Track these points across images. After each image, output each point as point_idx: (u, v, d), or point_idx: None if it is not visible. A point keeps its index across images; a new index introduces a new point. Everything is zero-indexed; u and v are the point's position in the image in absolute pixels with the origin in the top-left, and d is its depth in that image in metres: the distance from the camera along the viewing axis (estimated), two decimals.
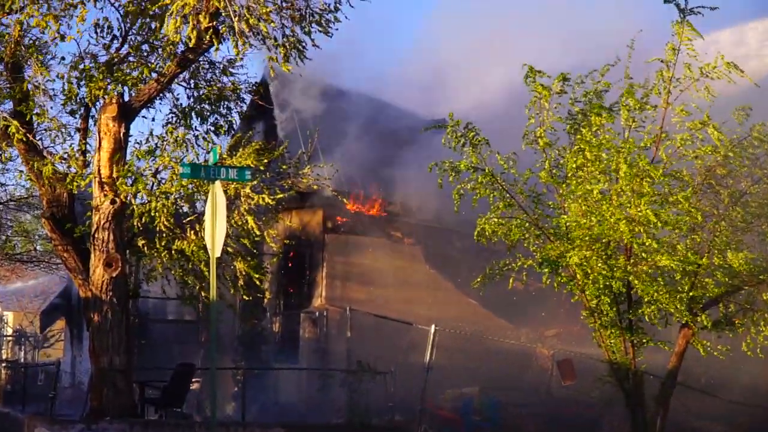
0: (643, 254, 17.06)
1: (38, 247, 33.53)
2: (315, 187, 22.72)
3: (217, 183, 15.94)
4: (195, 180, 18.10)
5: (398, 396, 23.14)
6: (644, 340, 18.04)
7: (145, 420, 20.20)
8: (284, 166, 21.35)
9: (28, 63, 19.25)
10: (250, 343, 27.19)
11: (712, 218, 17.22)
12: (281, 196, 20.63)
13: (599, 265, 17.08)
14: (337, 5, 18.86)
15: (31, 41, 19.16)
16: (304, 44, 18.89)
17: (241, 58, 20.57)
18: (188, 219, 19.87)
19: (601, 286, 17.25)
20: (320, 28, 18.86)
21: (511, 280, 18.96)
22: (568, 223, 17.61)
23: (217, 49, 19.16)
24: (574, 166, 17.51)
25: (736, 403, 24.81)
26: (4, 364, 32.40)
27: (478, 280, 19.46)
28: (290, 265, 27.23)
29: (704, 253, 17.03)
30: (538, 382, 25.18)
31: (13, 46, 18.93)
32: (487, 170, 18.21)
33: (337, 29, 19.09)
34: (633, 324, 17.96)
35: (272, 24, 18.08)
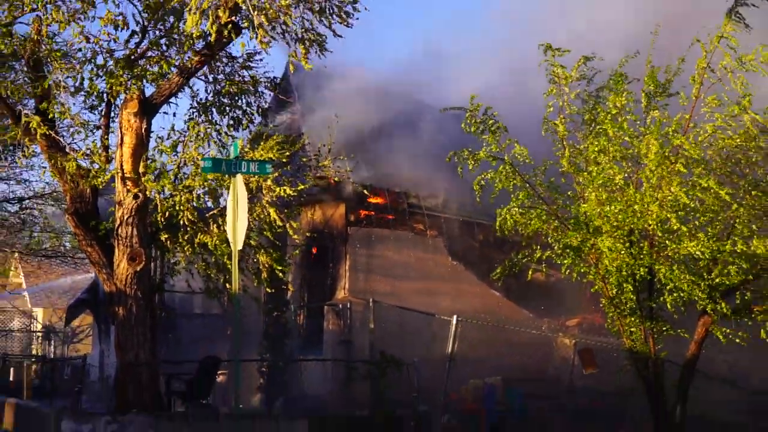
0: (666, 241, 16.83)
1: (66, 244, 33.21)
2: (336, 179, 22.52)
3: (239, 176, 15.82)
4: (217, 174, 17.65)
5: (421, 387, 22.93)
6: (664, 329, 17.84)
7: (171, 413, 20.01)
8: (304, 159, 21.03)
9: (49, 60, 18.92)
10: (274, 335, 26.98)
11: (731, 206, 16.83)
12: (302, 187, 20.33)
13: (623, 252, 16.89)
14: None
15: (50, 39, 18.82)
16: (324, 37, 18.62)
17: (262, 51, 20.36)
18: (211, 213, 19.60)
19: (625, 273, 17.04)
20: (340, 20, 18.53)
21: (530, 272, 18.85)
22: (587, 212, 17.40)
23: (242, 44, 18.74)
24: (595, 150, 17.24)
25: (758, 393, 24.57)
26: (32, 360, 32.19)
27: (497, 271, 19.49)
28: (313, 257, 26.94)
29: (725, 239, 16.77)
30: (560, 372, 24.90)
31: (33, 44, 18.62)
32: (506, 159, 18.05)
33: (357, 19, 18.67)
34: (653, 312, 17.68)
35: (292, 16, 17.85)
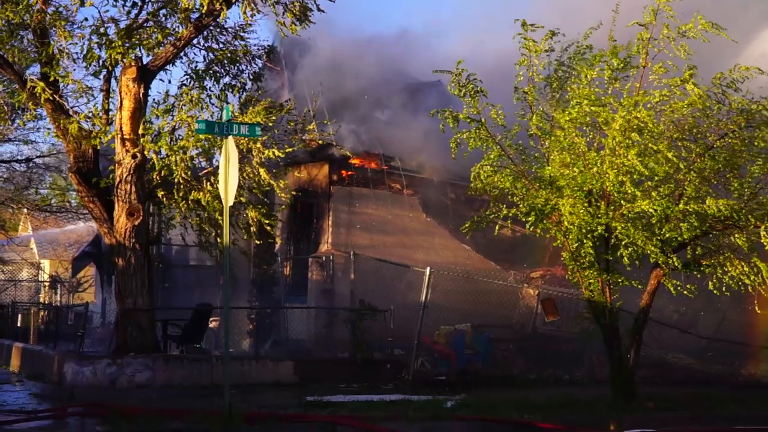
0: (622, 201, 16.95)
1: (73, 201, 33.09)
2: (321, 142, 22.52)
3: (230, 138, 15.73)
4: (210, 136, 17.63)
5: (397, 332, 23.04)
6: (620, 280, 18.06)
7: (167, 355, 20.10)
8: (291, 123, 20.98)
9: (53, 28, 18.83)
10: (262, 285, 27.06)
11: (681, 170, 17.00)
12: (290, 150, 20.35)
13: (582, 211, 17.02)
14: None
15: (54, 8, 18.72)
16: (309, 8, 18.59)
17: (250, 24, 20.33)
18: (204, 172, 19.61)
19: (584, 230, 17.16)
20: None
21: (497, 227, 18.92)
22: (551, 174, 17.56)
23: (223, 14, 18.65)
24: (567, 118, 17.21)
25: (704, 338, 24.80)
26: (39, 307, 32.16)
27: (467, 226, 19.57)
28: (299, 213, 26.98)
29: (677, 199, 16.92)
30: (524, 319, 25.05)
31: (38, 12, 18.51)
32: (483, 121, 18.07)
33: None
34: (610, 265, 17.86)
35: None
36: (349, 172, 26.64)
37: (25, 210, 24.08)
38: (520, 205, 18.26)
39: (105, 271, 25.99)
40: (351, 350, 22.53)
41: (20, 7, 18.19)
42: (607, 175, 16.81)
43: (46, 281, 44.11)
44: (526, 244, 24.94)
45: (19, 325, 31.48)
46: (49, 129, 21.16)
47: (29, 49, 19.60)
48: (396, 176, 27.38)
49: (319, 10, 18.68)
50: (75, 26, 19.42)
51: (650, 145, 16.79)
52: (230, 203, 15.70)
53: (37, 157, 23.13)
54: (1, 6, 17.62)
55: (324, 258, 25.68)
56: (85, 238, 38.85)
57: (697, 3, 17.33)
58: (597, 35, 17.71)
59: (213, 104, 20.50)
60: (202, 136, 18.23)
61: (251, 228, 20.37)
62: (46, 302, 36.23)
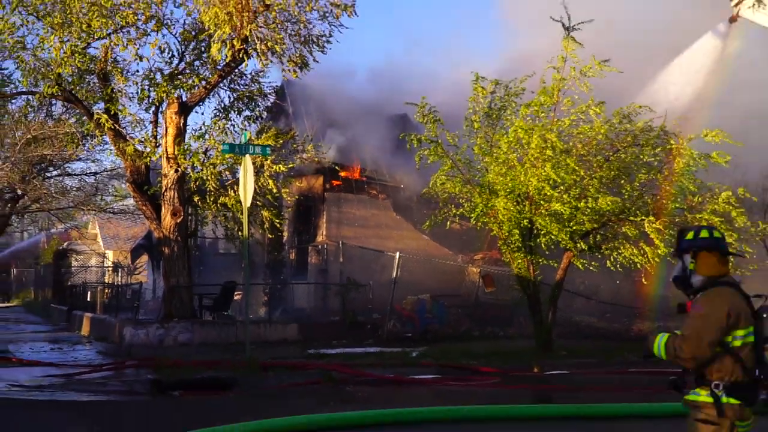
0: (542, 201, 17.13)
1: (130, 206, 33.05)
2: (317, 160, 22.59)
3: (248, 156, 15.85)
4: (233, 155, 17.67)
5: (375, 301, 23.15)
6: (540, 260, 18.27)
7: (202, 320, 20.14)
8: (294, 145, 21.11)
9: (112, 74, 18.87)
10: (274, 267, 27.14)
11: (585, 178, 17.24)
12: (292, 165, 20.56)
13: (512, 209, 17.21)
14: (331, 33, 18.56)
15: (113, 59, 18.78)
16: (306, 59, 18.64)
17: (263, 71, 20.46)
18: (229, 182, 19.55)
19: (514, 223, 17.41)
20: (318, 48, 18.57)
21: (449, 222, 19.07)
22: (490, 181, 17.82)
23: (245, 64, 18.88)
24: (505, 141, 17.45)
25: (604, 303, 24.95)
26: (104, 286, 32.07)
27: (427, 223, 19.82)
28: (301, 212, 27.02)
29: (581, 199, 17.12)
30: (469, 291, 25.15)
31: (100, 62, 18.56)
32: (439, 141, 18.27)
33: (330, 48, 18.73)
34: (533, 249, 18.00)
35: (284, 46, 17.94)
36: (338, 182, 26.69)
37: (93, 212, 23.96)
38: (466, 205, 18.54)
39: (155, 258, 25.88)
40: (341, 315, 22.61)
41: (87, 57, 18.24)
42: (530, 182, 17.02)
43: (109, 267, 43.99)
44: (471, 234, 24.98)
45: (88, 299, 31.43)
46: (111, 150, 21.19)
47: (95, 89, 19.57)
48: (373, 185, 27.46)
49: (315, 60, 18.73)
50: (130, 73, 19.53)
51: (561, 159, 17.04)
52: (248, 205, 15.83)
53: (102, 171, 23.06)
54: (72, 56, 17.56)
55: (320, 246, 25.66)
56: (139, 234, 38.99)
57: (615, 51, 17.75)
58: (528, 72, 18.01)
59: (236, 131, 20.48)
60: (227, 155, 18.22)
61: (265, 224, 20.41)
62: (110, 282, 36.04)
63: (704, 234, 5.10)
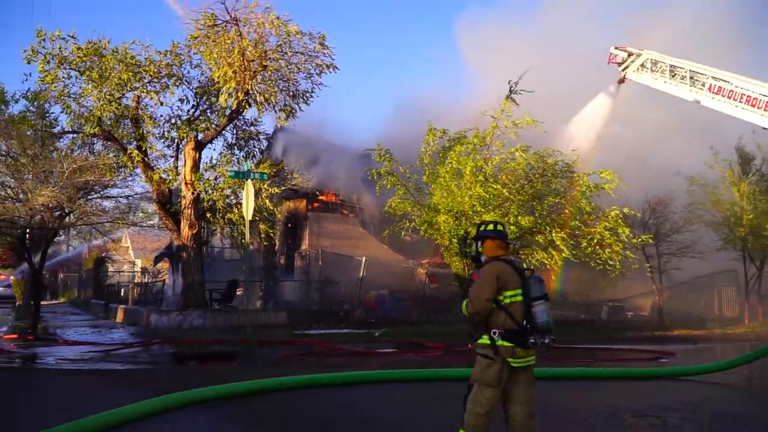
0: (474, 216, 17.23)
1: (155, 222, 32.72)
2: (301, 186, 22.57)
3: (249, 180, 15.75)
4: (237, 180, 17.58)
5: (346, 296, 23.16)
6: (474, 265, 18.12)
7: (212, 309, 19.82)
8: (284, 175, 21.16)
9: (143, 119, 18.76)
10: (268, 268, 26.97)
11: (508, 199, 17.42)
12: (284, 189, 20.61)
13: (452, 222, 17.32)
14: (314, 89, 18.65)
15: (143, 106, 18.69)
16: (294, 110, 18.69)
17: (260, 118, 20.54)
18: (234, 203, 19.42)
19: (453, 234, 17.51)
20: (303, 101, 18.67)
21: (403, 233, 19.13)
22: (435, 202, 17.84)
23: (246, 110, 18.75)
24: (446, 170, 17.62)
25: None
26: (134, 284, 31.60)
27: (385, 234, 19.97)
28: (290, 227, 26.86)
29: (505, 216, 17.28)
30: (418, 287, 25.22)
31: (133, 109, 18.46)
32: (395, 175, 18.38)
33: (313, 101, 18.84)
34: (467, 254, 17.96)
35: (277, 98, 18.00)
36: (318, 204, 26.66)
37: (126, 226, 23.71)
38: (417, 221, 18.57)
39: (174, 262, 25.57)
40: (319, 306, 22.58)
41: (121, 105, 18.13)
42: (465, 201, 17.14)
43: (138, 271, 43.32)
44: (419, 244, 25.05)
45: (122, 295, 31.00)
46: (141, 177, 20.93)
47: (128, 130, 19.38)
48: (345, 206, 27.45)
49: (300, 110, 18.80)
50: (155, 118, 19.34)
51: (491, 183, 17.24)
52: (250, 218, 15.72)
53: (134, 195, 22.85)
54: (109, 104, 17.44)
55: (304, 253, 25.51)
56: (161, 246, 38.60)
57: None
58: (471, 117, 18.27)
59: (239, 163, 20.39)
60: (232, 180, 18.11)
61: (261, 235, 20.26)
62: (139, 282, 35.45)
63: (490, 227, 5.54)
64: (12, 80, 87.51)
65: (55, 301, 46.35)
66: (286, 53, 17.50)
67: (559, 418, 7.19)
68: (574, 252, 17.66)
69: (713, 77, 20.78)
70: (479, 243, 5.55)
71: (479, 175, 17.14)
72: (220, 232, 21.63)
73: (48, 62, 17.22)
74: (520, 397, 5.17)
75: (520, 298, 5.16)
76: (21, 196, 18.95)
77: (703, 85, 21.02)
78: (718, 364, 10.58)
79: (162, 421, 6.81)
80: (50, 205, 18.13)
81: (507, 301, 5.15)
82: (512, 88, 17.75)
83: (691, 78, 21.50)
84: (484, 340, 5.18)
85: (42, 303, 21.87)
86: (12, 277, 41.32)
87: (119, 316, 24.39)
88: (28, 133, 20.37)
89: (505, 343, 5.07)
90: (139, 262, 48.84)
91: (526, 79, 17.85)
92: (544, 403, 8.04)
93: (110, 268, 43.69)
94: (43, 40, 17.16)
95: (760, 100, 19.17)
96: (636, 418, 7.07)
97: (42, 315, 22.13)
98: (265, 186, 18.63)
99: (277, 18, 17.01)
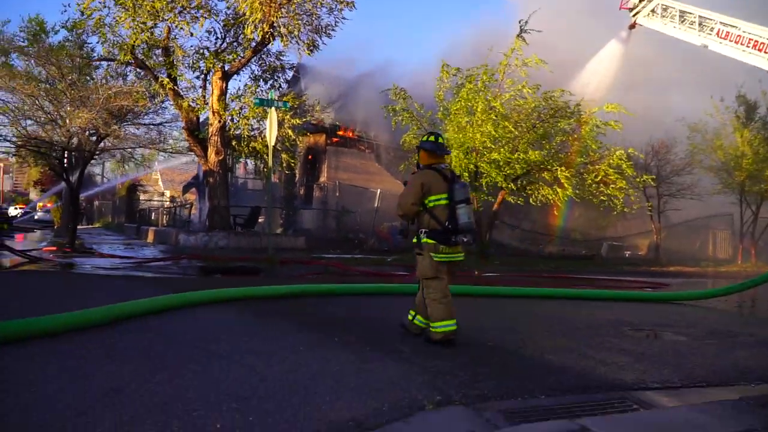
0: (484, 152, 17.02)
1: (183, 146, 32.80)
2: (322, 121, 22.30)
3: (273, 108, 15.47)
4: (261, 109, 17.33)
5: (361, 225, 23.15)
6: (482, 196, 18.11)
7: (236, 231, 19.90)
8: (306, 107, 20.85)
9: (173, 48, 18.40)
10: (288, 197, 26.97)
11: (517, 136, 17.16)
12: (306, 120, 20.29)
13: (462, 158, 17.10)
14: (337, 23, 18.15)
15: (173, 37, 18.29)
16: (317, 43, 18.27)
17: (284, 50, 20.10)
18: (258, 130, 19.22)
19: (464, 168, 17.31)
20: (326, 35, 18.18)
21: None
22: (448, 137, 17.47)
23: (271, 43, 18.30)
24: (457, 107, 17.29)
25: (525, 231, 25.17)
26: (164, 210, 31.86)
27: (400, 168, 19.79)
28: (310, 159, 26.76)
29: (514, 152, 17.06)
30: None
31: (163, 39, 18.05)
32: (410, 111, 18.04)
33: (335, 35, 18.35)
34: (477, 188, 17.83)
35: (300, 31, 17.54)
36: (336, 139, 26.46)
37: (157, 151, 23.62)
38: None
39: (201, 190, 25.66)
40: (336, 233, 22.61)
41: (153, 35, 17.75)
42: (476, 138, 16.89)
43: (167, 199, 43.66)
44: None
45: (152, 219, 31.28)
46: (170, 106, 20.73)
47: (159, 60, 19.05)
48: (362, 141, 27.26)
49: (323, 43, 18.37)
50: (185, 48, 18.99)
51: (501, 121, 16.93)
52: (272, 144, 15.49)
53: (165, 122, 22.68)
54: (141, 33, 17.09)
55: (322, 184, 25.56)
56: (188, 178, 38.71)
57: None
58: (481, 57, 17.81)
59: (265, 94, 20.10)
60: (257, 109, 17.87)
61: (283, 163, 20.16)
62: (167, 207, 35.77)
63: (431, 139, 5.84)
64: (51, 11, 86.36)
65: (91, 226, 46.96)
66: None
67: (566, 324, 7.16)
68: (577, 191, 17.50)
69: (721, 23, 20.17)
70: (418, 151, 5.89)
71: (491, 113, 16.82)
72: (244, 164, 21.49)
73: None
74: None
75: (444, 201, 5.47)
76: (59, 120, 18.84)
77: (711, 30, 20.41)
78: (715, 290, 10.47)
79: (185, 313, 6.84)
80: (86, 129, 18.06)
81: (431, 204, 5.51)
82: (522, 27, 17.28)
83: (700, 24, 20.85)
84: (416, 239, 5.63)
85: (78, 227, 22.05)
86: (50, 203, 41.87)
87: (150, 237, 24.61)
88: (66, 63, 20.10)
89: (429, 241, 5.49)
90: (168, 193, 49.23)
91: (540, 23, 17.36)
92: (552, 315, 8.10)
93: (141, 197, 44.06)
94: None
95: (767, 44, 18.56)
96: (634, 330, 7.02)
97: (78, 235, 22.36)
98: (288, 117, 18.37)
99: None
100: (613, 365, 5.11)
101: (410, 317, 5.98)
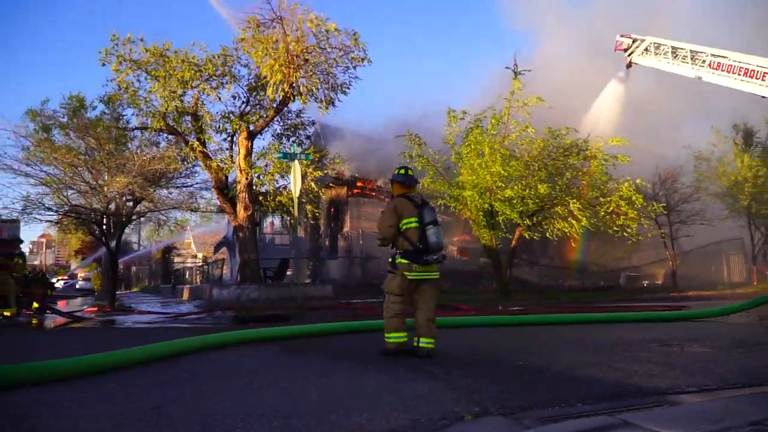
0: (497, 191, 16.95)
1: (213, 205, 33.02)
2: (342, 171, 22.43)
3: (296, 161, 15.61)
4: (285, 164, 17.48)
5: (385, 269, 22.86)
6: (500, 234, 17.94)
7: (266, 284, 19.77)
8: (327, 161, 20.97)
9: (201, 114, 18.80)
10: (314, 248, 26.96)
11: (527, 175, 17.12)
12: (326, 172, 20.35)
13: (477, 198, 17.07)
14: (351, 82, 18.41)
15: (201, 102, 18.71)
16: (333, 100, 18.50)
17: (303, 109, 20.39)
18: (283, 185, 19.37)
19: (479, 208, 17.24)
20: (341, 92, 18.43)
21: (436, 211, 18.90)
22: (461, 180, 17.58)
23: (291, 101, 18.58)
24: (467, 151, 17.35)
25: (544, 266, 24.82)
26: (197, 270, 32.00)
27: None
28: (332, 211, 26.85)
29: (526, 189, 16.99)
30: (453, 262, 24.92)
31: (192, 106, 18.50)
32: (425, 156, 18.16)
33: (350, 92, 18.61)
34: (494, 226, 17.77)
35: (318, 89, 17.82)
36: (357, 190, 26.59)
37: (189, 211, 23.87)
38: (447, 198, 18.33)
39: (231, 249, 25.78)
40: (361, 280, 22.44)
41: (183, 102, 18.19)
42: (488, 178, 16.86)
43: (200, 260, 43.94)
44: (450, 223, 24.80)
45: (186, 278, 31.40)
46: (200, 167, 21.05)
47: (189, 125, 19.46)
48: (382, 191, 27.35)
49: (339, 100, 18.59)
50: (212, 113, 19.36)
51: (508, 160, 16.95)
52: (297, 195, 15.52)
53: (195, 184, 22.98)
54: (172, 101, 17.53)
55: (346, 234, 25.54)
56: (218, 239, 39.15)
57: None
58: (490, 98, 17.97)
59: (285, 149, 20.28)
60: (280, 166, 18.01)
61: (308, 215, 20.15)
62: (201, 266, 35.99)
63: (401, 172, 6.35)
64: (91, 88, 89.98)
65: (129, 291, 47.31)
66: (325, 48, 17.35)
67: (593, 344, 6.95)
68: (592, 221, 17.29)
69: (712, 54, 20.24)
70: (392, 184, 6.33)
71: (496, 155, 16.84)
72: (271, 222, 21.59)
73: (120, 63, 17.40)
74: (422, 305, 5.94)
75: (415, 224, 5.85)
76: (98, 188, 19.23)
77: (703, 62, 20.48)
78: (740, 304, 10.16)
79: (221, 352, 6.76)
80: (123, 194, 18.35)
81: (404, 227, 5.88)
82: (515, 70, 17.44)
83: (692, 57, 20.95)
84: (392, 259, 5.98)
85: (117, 292, 22.18)
86: (87, 271, 42.33)
87: (185, 295, 24.62)
88: (104, 135, 20.64)
89: (403, 261, 5.85)
90: (200, 255, 49.63)
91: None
92: (578, 337, 7.87)
93: (176, 260, 44.44)
94: (116, 45, 17.37)
95: (758, 71, 18.54)
96: (661, 346, 6.79)
97: (117, 297, 22.49)
98: (310, 170, 18.54)
99: (316, 17, 16.91)
100: (645, 375, 4.91)
101: (415, 343, 6.06)
